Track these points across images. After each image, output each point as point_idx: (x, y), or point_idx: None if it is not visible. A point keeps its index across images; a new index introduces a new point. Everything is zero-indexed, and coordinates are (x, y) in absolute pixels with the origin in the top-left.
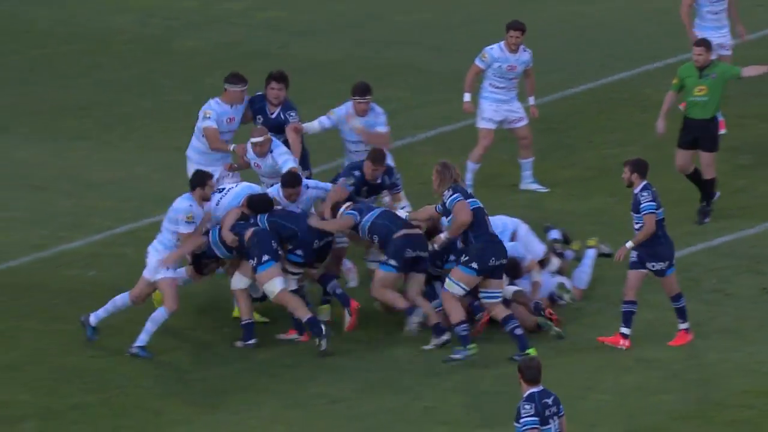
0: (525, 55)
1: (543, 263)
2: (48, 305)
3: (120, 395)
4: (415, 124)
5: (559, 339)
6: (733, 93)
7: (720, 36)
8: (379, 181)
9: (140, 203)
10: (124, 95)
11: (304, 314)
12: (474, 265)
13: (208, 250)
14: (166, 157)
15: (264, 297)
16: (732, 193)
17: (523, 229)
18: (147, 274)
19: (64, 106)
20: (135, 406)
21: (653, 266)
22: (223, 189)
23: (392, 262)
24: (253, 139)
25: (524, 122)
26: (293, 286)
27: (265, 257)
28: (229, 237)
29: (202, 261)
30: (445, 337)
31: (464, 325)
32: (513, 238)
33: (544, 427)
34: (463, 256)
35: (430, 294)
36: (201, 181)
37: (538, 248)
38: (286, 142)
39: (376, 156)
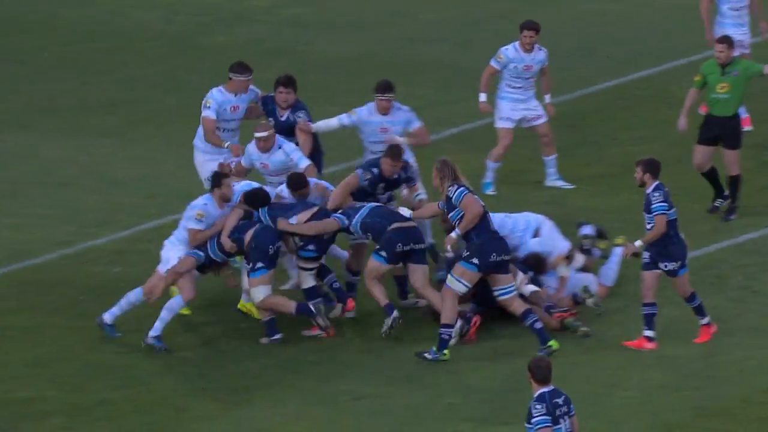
0: (540, 54)
1: (567, 260)
2: (73, 302)
3: (145, 392)
4: (439, 120)
5: (585, 338)
6: (755, 90)
7: (741, 33)
8: (395, 176)
9: (165, 200)
10: (149, 92)
11: (290, 308)
12: (475, 260)
13: (206, 259)
14: (192, 153)
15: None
16: (758, 191)
17: (547, 225)
18: (161, 268)
19: (89, 104)
20: (160, 402)
21: (665, 266)
22: None
23: (383, 253)
24: (258, 134)
25: (543, 119)
26: (311, 282)
27: (259, 264)
28: (227, 244)
29: (204, 266)
30: (458, 326)
31: (449, 329)
32: (536, 235)
33: (555, 427)
34: (464, 251)
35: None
36: (217, 181)
37: (562, 245)
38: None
39: (395, 152)
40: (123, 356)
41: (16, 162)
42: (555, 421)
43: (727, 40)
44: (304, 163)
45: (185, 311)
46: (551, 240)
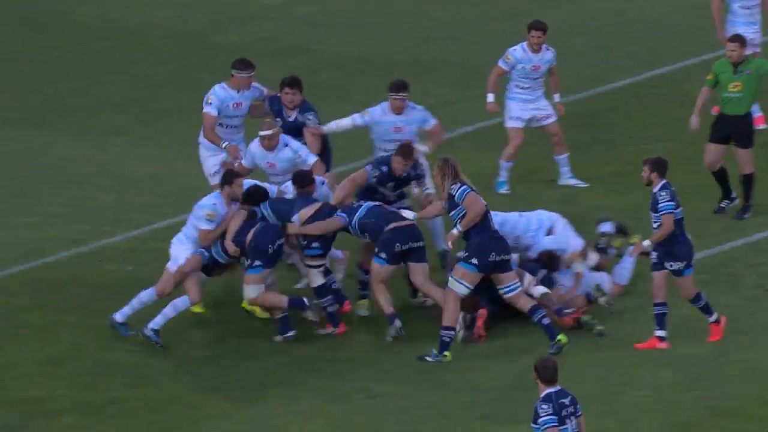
0: (548, 54)
1: (582, 257)
2: (87, 300)
3: (157, 390)
4: (455, 119)
5: (600, 336)
6: None
7: (752, 32)
8: (405, 174)
9: (178, 198)
10: (161, 90)
11: (283, 302)
12: (474, 260)
13: (210, 260)
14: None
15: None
16: None
17: (561, 224)
18: (170, 265)
19: (102, 102)
20: (172, 401)
21: (671, 266)
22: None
23: (382, 254)
24: (262, 132)
25: (552, 119)
26: (320, 280)
27: (257, 263)
28: (231, 248)
29: (209, 267)
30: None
31: (450, 331)
32: (549, 233)
33: (561, 427)
34: (464, 252)
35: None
36: (228, 180)
37: (576, 243)
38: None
39: (406, 151)
40: (135, 355)
41: (30, 160)
42: (561, 422)
43: (739, 39)
44: (312, 159)
45: (199, 309)
46: (565, 238)
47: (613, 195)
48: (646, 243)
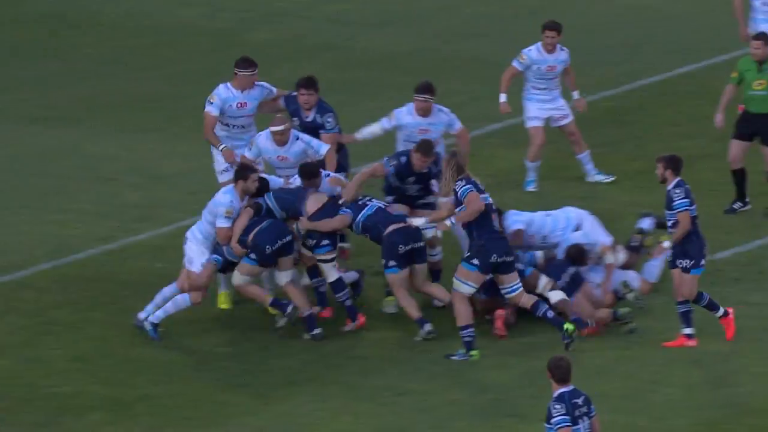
0: (562, 54)
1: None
2: (116, 297)
3: (186, 387)
4: (484, 116)
5: (631, 333)
6: None
7: None
8: (425, 170)
9: (208, 195)
10: (192, 88)
11: (263, 301)
12: (475, 261)
13: (224, 261)
14: None
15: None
16: None
17: (588, 221)
18: (187, 264)
19: (132, 100)
20: (201, 397)
21: (680, 263)
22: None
23: (392, 263)
24: (274, 128)
25: (569, 119)
26: (335, 274)
27: (252, 255)
28: (237, 249)
29: (224, 266)
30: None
31: (469, 329)
32: (577, 230)
33: (574, 428)
34: (466, 252)
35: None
36: (243, 174)
37: (604, 240)
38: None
39: (426, 147)
40: (164, 351)
41: (60, 158)
42: (574, 422)
43: (763, 37)
44: (324, 148)
45: (225, 306)
46: (594, 234)
47: (640, 192)
48: (667, 244)
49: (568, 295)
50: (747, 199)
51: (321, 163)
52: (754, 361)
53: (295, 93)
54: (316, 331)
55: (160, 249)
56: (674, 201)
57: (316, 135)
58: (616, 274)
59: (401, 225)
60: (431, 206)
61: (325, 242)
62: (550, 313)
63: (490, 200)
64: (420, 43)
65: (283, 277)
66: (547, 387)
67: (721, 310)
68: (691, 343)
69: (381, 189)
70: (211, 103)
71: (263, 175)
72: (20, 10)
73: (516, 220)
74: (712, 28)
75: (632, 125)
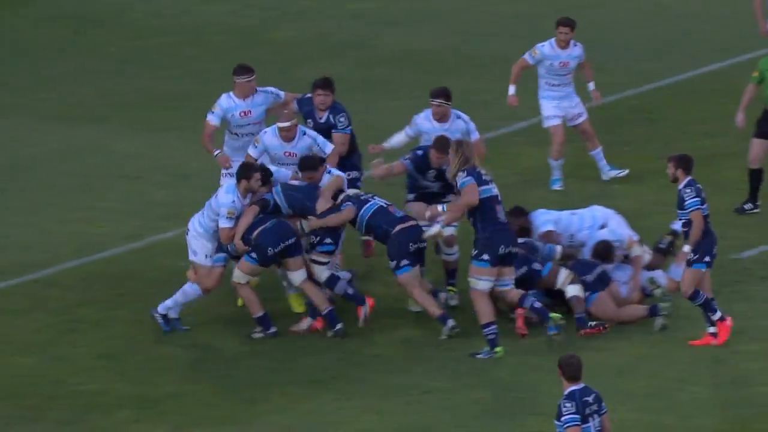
0: (576, 50)
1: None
2: (142, 295)
3: (212, 385)
4: (511, 114)
5: (663, 330)
6: None
7: None
8: (445, 167)
9: None
10: (217, 86)
11: (254, 308)
12: (485, 256)
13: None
14: None
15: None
16: None
17: (615, 220)
18: (191, 257)
19: (158, 98)
20: (227, 395)
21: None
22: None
23: (404, 261)
24: (281, 124)
25: (584, 117)
26: (326, 274)
27: (253, 254)
28: (241, 247)
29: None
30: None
31: (492, 327)
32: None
33: (584, 426)
34: (473, 249)
35: None
36: (246, 173)
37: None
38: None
39: (442, 144)
40: (189, 349)
41: (85, 156)
42: (584, 420)
43: None
44: (329, 147)
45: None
46: (620, 232)
47: (666, 190)
48: (686, 248)
49: (593, 292)
50: (758, 202)
51: (322, 159)
52: None
53: (308, 95)
54: (339, 326)
55: (185, 247)
56: (686, 200)
57: (329, 135)
58: (643, 274)
59: (407, 224)
60: None
61: (328, 240)
62: (537, 304)
63: (495, 192)
64: (444, 41)
65: (297, 277)
66: None
67: (718, 314)
68: (717, 341)
69: (404, 186)
70: (213, 112)
71: (270, 167)
72: (45, 9)
73: (545, 220)
74: (738, 27)
75: (658, 123)
